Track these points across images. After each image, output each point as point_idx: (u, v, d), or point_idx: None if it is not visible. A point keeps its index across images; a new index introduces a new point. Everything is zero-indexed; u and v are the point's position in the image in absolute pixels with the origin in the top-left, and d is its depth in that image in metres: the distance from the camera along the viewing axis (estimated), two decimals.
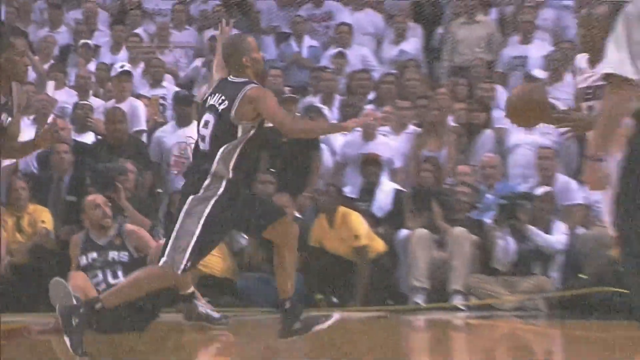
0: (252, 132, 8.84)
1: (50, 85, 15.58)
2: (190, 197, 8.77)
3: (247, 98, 8.86)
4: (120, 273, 11.11)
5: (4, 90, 9.19)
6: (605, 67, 5.85)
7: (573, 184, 13.35)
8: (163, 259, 9.07)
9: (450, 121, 14.58)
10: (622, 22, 5.84)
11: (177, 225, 8.79)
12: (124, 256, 11.15)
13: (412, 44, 16.84)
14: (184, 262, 8.68)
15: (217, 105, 8.91)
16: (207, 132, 8.90)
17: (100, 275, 11.20)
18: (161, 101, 15.67)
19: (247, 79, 9.04)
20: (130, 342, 10.17)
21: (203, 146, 8.96)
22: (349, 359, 9.72)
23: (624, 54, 5.78)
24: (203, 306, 10.69)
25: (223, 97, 8.85)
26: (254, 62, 9.14)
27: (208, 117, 9.08)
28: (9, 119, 8.83)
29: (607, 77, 5.84)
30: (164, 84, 15.97)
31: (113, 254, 11.20)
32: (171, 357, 10.35)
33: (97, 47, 16.46)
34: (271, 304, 12.13)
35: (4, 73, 8.95)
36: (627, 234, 5.84)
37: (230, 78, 9.19)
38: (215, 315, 10.75)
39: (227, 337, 10.80)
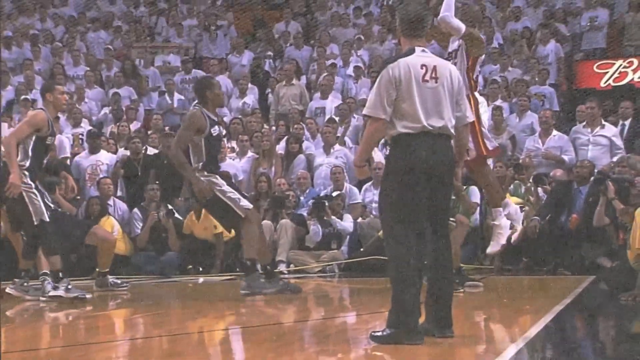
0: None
1: (4, 126, 15.23)
2: None
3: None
4: None
5: None
6: (365, 109, 6.41)
7: (355, 189, 13.92)
8: None
9: (277, 149, 14.81)
10: (381, 77, 6.31)
11: None
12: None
13: (251, 98, 17.13)
14: None
15: None
16: None
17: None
18: (80, 136, 15.73)
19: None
20: None
21: None
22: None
23: (378, 100, 6.25)
24: (110, 278, 11.23)
25: None
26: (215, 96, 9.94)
27: None
28: None
29: (366, 115, 6.60)
30: (82, 125, 16.11)
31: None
32: None
33: (34, 100, 16.16)
34: (156, 273, 13.31)
35: None
36: (385, 221, 6.47)
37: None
38: (119, 282, 11.34)
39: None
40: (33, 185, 9.90)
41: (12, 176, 9.82)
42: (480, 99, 9.76)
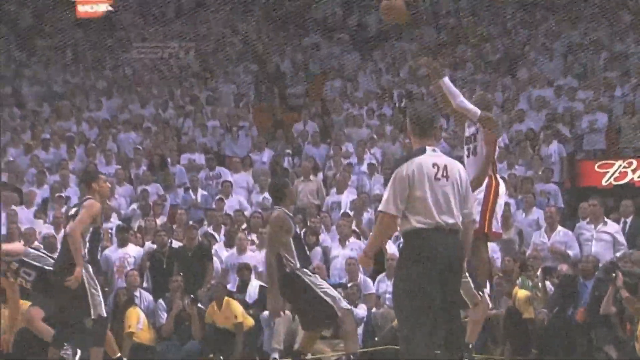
0: None
1: (39, 222, 15.78)
2: None
3: None
4: None
5: None
6: (380, 205, 6.43)
7: (369, 280, 13.62)
8: None
9: None
10: (395, 175, 6.38)
11: None
12: None
13: None
14: None
15: None
16: None
17: None
18: (110, 231, 15.41)
19: None
20: None
21: None
22: None
23: (391, 197, 6.32)
24: None
25: None
26: None
27: None
28: None
29: (380, 211, 6.47)
30: (112, 219, 15.95)
31: None
32: None
33: (68, 197, 16.53)
34: None
35: None
36: (400, 311, 6.47)
37: None
38: None
39: None
40: (95, 279, 9.74)
41: (78, 269, 9.55)
42: (502, 182, 9.51)
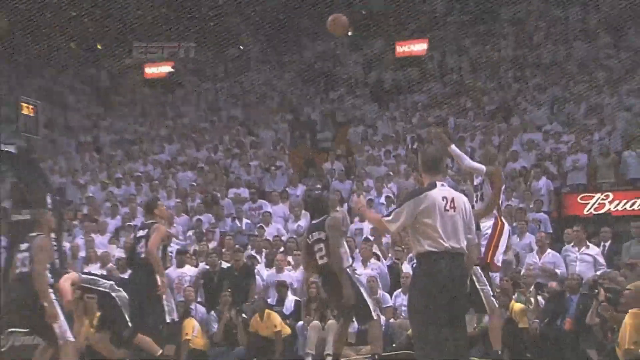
0: None
1: (112, 247, 15.85)
2: None
3: None
4: None
5: None
6: (388, 216, 6.41)
7: (387, 295, 13.33)
8: None
9: None
10: (410, 203, 6.29)
11: None
12: None
13: (304, 222, 16.39)
14: None
15: None
16: None
17: None
18: (170, 254, 14.75)
19: None
20: None
21: None
22: None
23: (399, 217, 6.30)
24: None
25: None
26: None
27: None
28: None
29: (385, 218, 6.49)
30: (172, 244, 15.32)
31: None
32: None
33: (135, 225, 15.67)
34: None
35: None
36: (414, 323, 6.46)
37: None
38: None
39: None
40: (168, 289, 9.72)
41: (162, 279, 9.64)
42: (506, 224, 9.58)
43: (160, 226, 9.78)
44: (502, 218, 9.45)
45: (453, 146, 9.12)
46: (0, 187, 19.10)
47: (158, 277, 9.52)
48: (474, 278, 8.73)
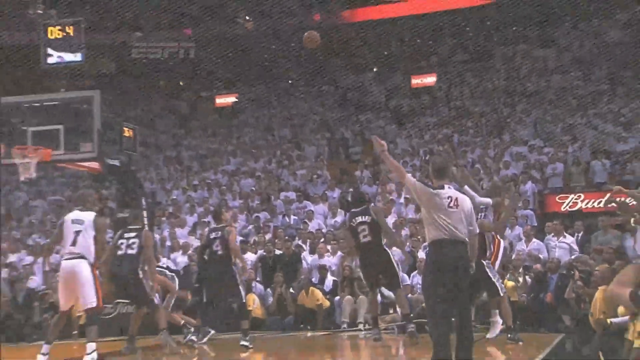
0: None
1: (192, 238, 15.64)
2: None
3: None
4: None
5: None
6: (408, 180, 6.35)
7: (405, 275, 12.71)
8: None
9: None
10: (425, 186, 6.23)
11: None
12: None
13: (340, 218, 16.34)
14: None
15: None
16: None
17: None
18: None
19: None
20: None
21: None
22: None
23: (416, 182, 6.33)
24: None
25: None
26: None
27: None
28: None
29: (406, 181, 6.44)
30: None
31: None
32: None
33: (209, 222, 15.98)
34: (281, 330, 12.79)
35: None
36: (427, 299, 6.35)
37: None
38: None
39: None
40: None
41: (245, 266, 10.26)
42: (502, 241, 9.56)
43: (232, 228, 9.91)
44: (499, 236, 9.41)
45: (467, 187, 8.89)
46: (108, 192, 19.49)
47: (240, 264, 9.72)
48: (487, 269, 8.75)
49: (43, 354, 8.13)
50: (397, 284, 9.53)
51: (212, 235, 9.84)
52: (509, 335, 9.24)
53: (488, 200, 9.12)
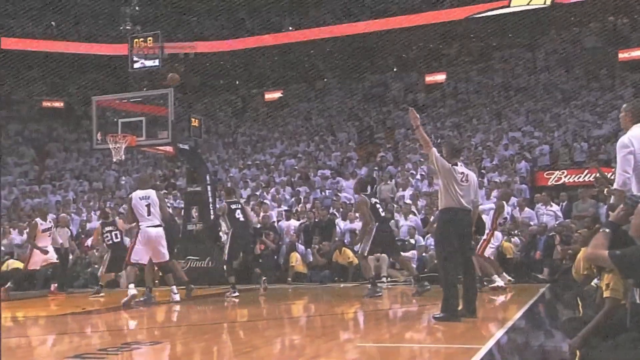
0: None
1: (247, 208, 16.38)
2: None
3: None
4: None
5: None
6: (435, 155, 6.08)
7: (421, 238, 13.04)
8: None
9: None
10: (445, 162, 6.13)
11: None
12: None
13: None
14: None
15: None
16: None
17: None
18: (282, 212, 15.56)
19: None
20: None
21: None
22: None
23: (436, 155, 6.11)
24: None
25: None
26: None
27: None
28: None
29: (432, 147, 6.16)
30: (281, 206, 15.82)
31: None
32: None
33: (258, 195, 16.65)
34: (319, 282, 12.63)
35: None
36: (438, 251, 6.32)
37: None
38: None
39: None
40: None
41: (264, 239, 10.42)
42: (497, 233, 9.72)
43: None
44: (496, 232, 9.76)
45: (480, 208, 8.65)
46: (179, 171, 19.77)
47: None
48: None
49: (139, 297, 8.75)
50: (398, 252, 9.91)
51: (233, 207, 9.84)
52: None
53: (492, 205, 9.59)
